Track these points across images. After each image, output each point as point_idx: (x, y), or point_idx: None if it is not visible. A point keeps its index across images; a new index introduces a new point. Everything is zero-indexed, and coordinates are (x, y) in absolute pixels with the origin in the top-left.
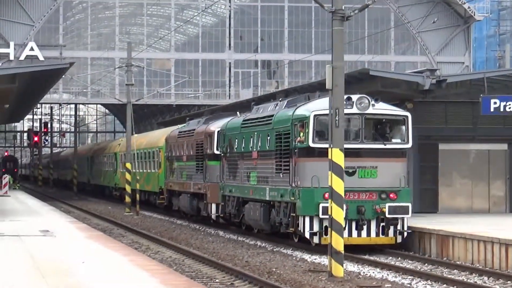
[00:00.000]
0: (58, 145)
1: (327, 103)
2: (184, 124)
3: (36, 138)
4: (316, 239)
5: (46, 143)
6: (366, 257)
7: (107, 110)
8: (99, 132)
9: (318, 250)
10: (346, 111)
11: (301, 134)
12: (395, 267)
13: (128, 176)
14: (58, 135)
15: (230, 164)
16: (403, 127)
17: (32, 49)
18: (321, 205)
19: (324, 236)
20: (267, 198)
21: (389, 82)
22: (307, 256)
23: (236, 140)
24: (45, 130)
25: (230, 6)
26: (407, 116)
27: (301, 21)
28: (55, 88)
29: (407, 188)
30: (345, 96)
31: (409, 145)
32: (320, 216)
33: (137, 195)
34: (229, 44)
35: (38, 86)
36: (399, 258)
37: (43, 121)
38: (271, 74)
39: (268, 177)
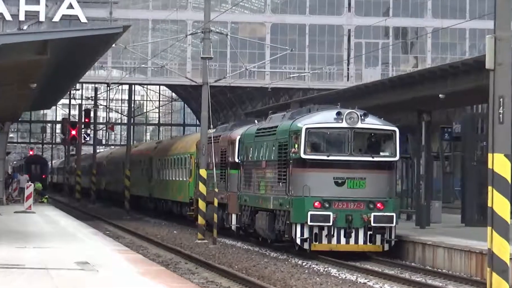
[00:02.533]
0: (105, 142)
1: (323, 117)
2: (214, 129)
3: (73, 132)
4: (306, 245)
5: (88, 139)
6: None
7: (174, 94)
8: (162, 125)
9: None
10: (336, 125)
11: (296, 145)
12: None
13: (202, 189)
14: (104, 128)
15: (246, 173)
16: (391, 141)
17: (70, 6)
18: (309, 213)
19: (314, 243)
20: (271, 207)
21: None
22: None
23: (251, 149)
24: (86, 120)
25: None
26: (395, 131)
27: None
28: (102, 62)
29: (394, 199)
30: (335, 111)
31: (396, 158)
32: (309, 223)
33: (215, 215)
34: (349, 4)
35: (78, 58)
36: None
37: (83, 108)
38: (408, 47)
39: (273, 186)
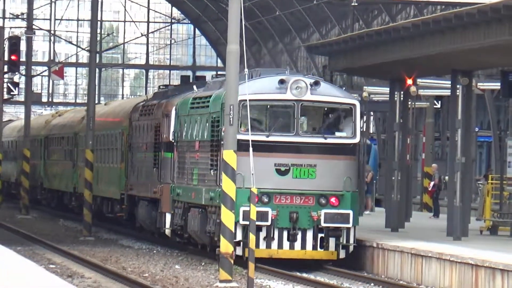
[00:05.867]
0: (47, 100)
1: (263, 85)
2: (152, 95)
3: None
4: (239, 251)
5: (15, 92)
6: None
7: (176, 10)
8: (153, 67)
9: None
10: (279, 97)
11: None
12: None
13: (228, 187)
14: (47, 73)
15: (180, 157)
16: (350, 118)
17: None
18: (242, 209)
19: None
20: (203, 202)
21: None
22: None
23: (185, 125)
24: (13, 58)
25: None
26: (354, 105)
27: None
28: None
29: (352, 193)
30: (278, 79)
31: (356, 139)
32: (241, 222)
33: (251, 237)
34: None
35: None
36: None
37: (8, 34)
38: None
39: (205, 175)
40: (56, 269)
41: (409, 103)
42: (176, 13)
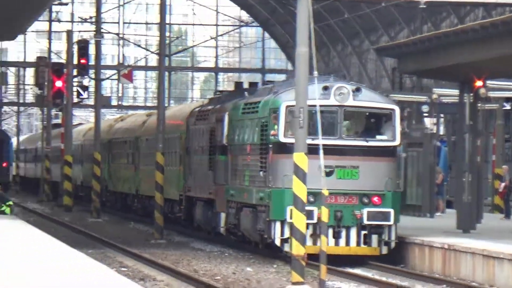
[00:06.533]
0: (117, 103)
1: (310, 90)
2: (207, 100)
3: (58, 83)
4: (287, 247)
5: (85, 96)
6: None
7: (244, 13)
8: (223, 70)
9: None
10: (322, 102)
11: (275, 126)
12: None
13: (299, 189)
14: (116, 76)
15: (233, 160)
16: (390, 122)
17: None
18: (288, 208)
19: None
20: (254, 202)
21: None
22: None
23: (237, 129)
24: (82, 62)
25: None
26: (394, 110)
27: None
28: None
29: (393, 192)
30: (322, 85)
31: (396, 142)
32: (289, 220)
33: (323, 239)
34: None
35: None
36: None
37: (76, 38)
38: None
39: (256, 176)
40: (128, 272)
41: (479, 105)
42: (245, 16)
